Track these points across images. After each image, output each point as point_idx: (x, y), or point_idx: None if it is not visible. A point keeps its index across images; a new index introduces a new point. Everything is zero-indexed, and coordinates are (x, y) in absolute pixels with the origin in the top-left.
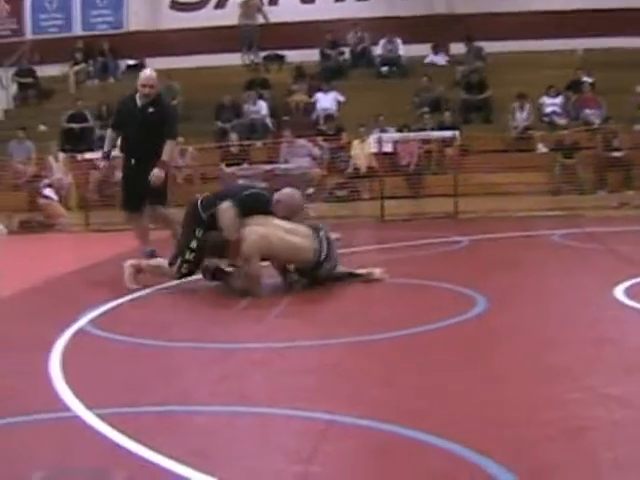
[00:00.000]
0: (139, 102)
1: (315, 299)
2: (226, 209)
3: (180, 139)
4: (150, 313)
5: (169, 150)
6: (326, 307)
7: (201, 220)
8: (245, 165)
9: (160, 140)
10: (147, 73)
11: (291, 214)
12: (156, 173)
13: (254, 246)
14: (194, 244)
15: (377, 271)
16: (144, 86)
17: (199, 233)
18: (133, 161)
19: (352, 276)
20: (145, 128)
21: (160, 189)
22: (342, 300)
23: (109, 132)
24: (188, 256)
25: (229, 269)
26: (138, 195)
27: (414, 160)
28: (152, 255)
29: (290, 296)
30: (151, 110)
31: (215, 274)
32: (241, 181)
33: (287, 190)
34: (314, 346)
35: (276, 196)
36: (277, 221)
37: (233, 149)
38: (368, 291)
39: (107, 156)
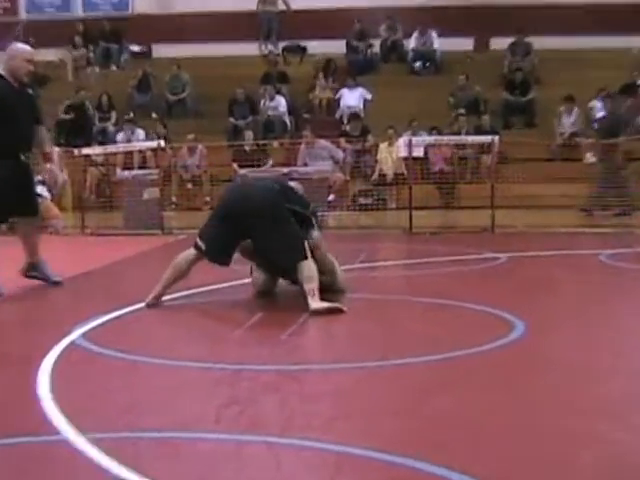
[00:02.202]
0: (20, 81)
1: (333, 317)
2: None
3: (190, 136)
4: (151, 327)
5: (48, 138)
6: (345, 326)
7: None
8: (268, 165)
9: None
10: (28, 47)
11: None
12: (55, 170)
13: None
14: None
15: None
16: (29, 62)
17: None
18: (23, 157)
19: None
20: (30, 113)
21: (33, 193)
22: (363, 320)
23: None
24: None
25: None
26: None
27: (447, 167)
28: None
29: (306, 313)
30: (30, 91)
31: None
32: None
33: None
34: (330, 370)
35: None
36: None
37: (247, 148)
38: (392, 311)
39: None
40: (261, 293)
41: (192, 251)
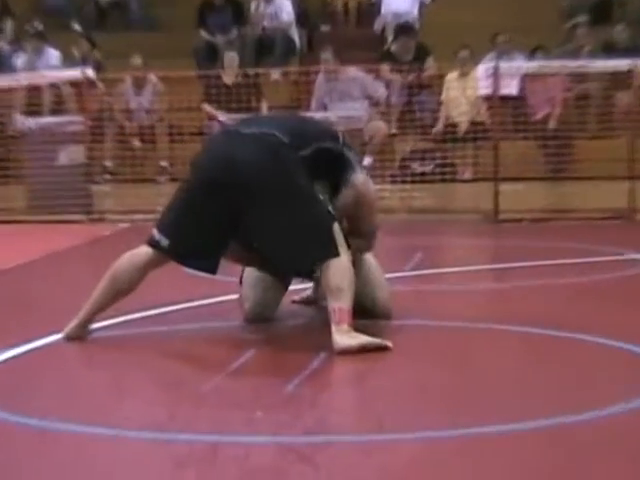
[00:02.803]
0: None
1: (369, 357)
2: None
3: (136, 60)
4: (74, 373)
5: None
6: (387, 372)
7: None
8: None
9: None
10: None
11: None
12: None
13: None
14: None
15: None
16: None
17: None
18: None
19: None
20: None
21: None
22: (417, 361)
23: None
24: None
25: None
26: None
27: (556, 112)
28: None
29: (326, 350)
30: None
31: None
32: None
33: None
34: (364, 443)
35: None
36: None
37: (229, 81)
38: (466, 346)
39: None
40: (255, 317)
41: (144, 250)
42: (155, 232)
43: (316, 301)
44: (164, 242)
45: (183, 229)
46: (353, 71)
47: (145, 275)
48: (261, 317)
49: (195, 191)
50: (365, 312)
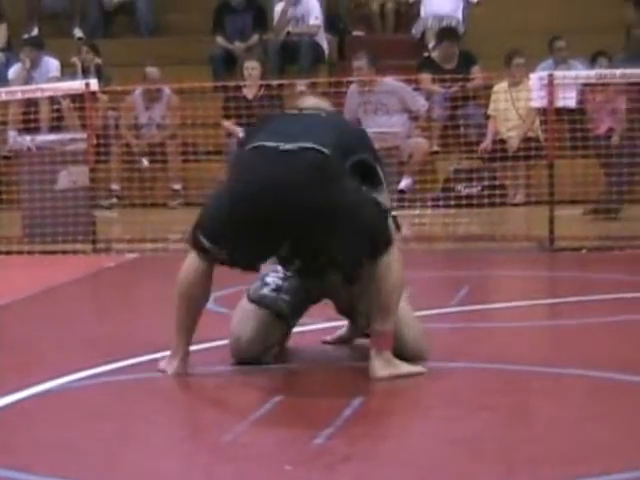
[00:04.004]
0: None
1: (414, 401)
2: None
3: (150, 69)
4: (75, 419)
5: None
6: (433, 421)
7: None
8: None
9: None
10: None
11: None
12: None
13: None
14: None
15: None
16: None
17: None
18: None
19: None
20: None
21: None
22: (470, 410)
23: None
24: None
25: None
26: None
27: (621, 126)
28: None
29: (358, 394)
30: None
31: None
32: None
33: None
34: None
35: None
36: None
37: (248, 93)
38: (523, 389)
39: None
40: (250, 357)
41: (201, 259)
42: (204, 240)
43: (350, 340)
44: (219, 252)
45: (235, 242)
46: (390, 81)
47: (211, 281)
48: (256, 358)
49: (237, 209)
50: (393, 353)
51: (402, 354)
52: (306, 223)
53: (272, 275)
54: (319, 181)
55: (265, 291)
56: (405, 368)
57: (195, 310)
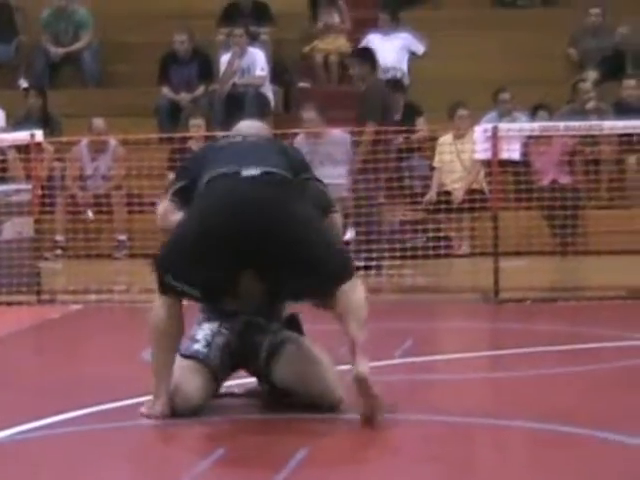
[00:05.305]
0: None
1: (356, 455)
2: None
3: (97, 121)
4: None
5: None
6: (379, 473)
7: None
8: None
9: None
10: None
11: None
12: None
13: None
14: None
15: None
16: None
17: None
18: None
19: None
20: None
21: None
22: (415, 462)
23: None
24: None
25: None
26: None
27: (563, 178)
28: None
29: (308, 444)
30: None
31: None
32: None
33: None
34: None
35: None
36: None
37: (194, 146)
38: (465, 442)
39: None
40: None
41: (171, 299)
42: (170, 279)
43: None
44: (188, 290)
45: (203, 275)
46: (338, 132)
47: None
48: (194, 411)
49: (209, 239)
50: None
51: (322, 397)
52: (272, 242)
53: (200, 332)
54: (288, 202)
55: (197, 347)
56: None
57: (172, 348)
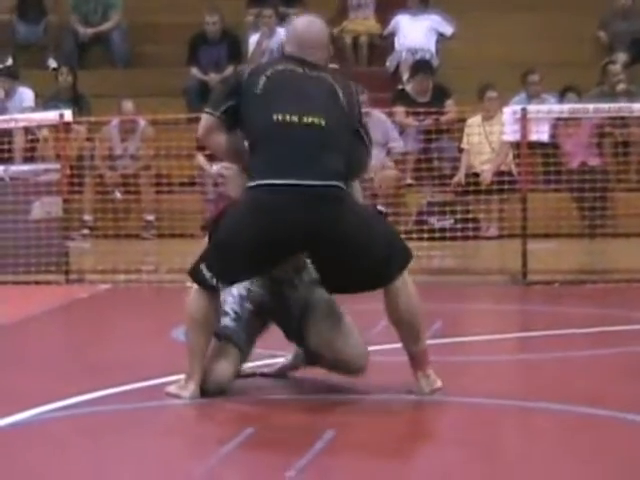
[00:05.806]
0: None
1: (381, 436)
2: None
3: (126, 104)
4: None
5: None
6: (404, 456)
7: None
8: None
9: None
10: None
11: None
12: None
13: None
14: None
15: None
16: None
17: None
18: None
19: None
20: None
21: None
22: (442, 445)
23: None
24: None
25: None
26: None
27: (593, 160)
28: None
29: (329, 427)
30: None
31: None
32: None
33: None
34: None
35: None
36: None
37: None
38: (494, 424)
39: None
40: (214, 390)
41: (206, 291)
42: (211, 279)
43: (291, 370)
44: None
45: (249, 278)
46: (377, 114)
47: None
48: (222, 390)
49: (262, 252)
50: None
51: (339, 361)
52: (330, 262)
53: (229, 301)
54: (343, 221)
55: (226, 321)
56: (439, 382)
57: (207, 333)
